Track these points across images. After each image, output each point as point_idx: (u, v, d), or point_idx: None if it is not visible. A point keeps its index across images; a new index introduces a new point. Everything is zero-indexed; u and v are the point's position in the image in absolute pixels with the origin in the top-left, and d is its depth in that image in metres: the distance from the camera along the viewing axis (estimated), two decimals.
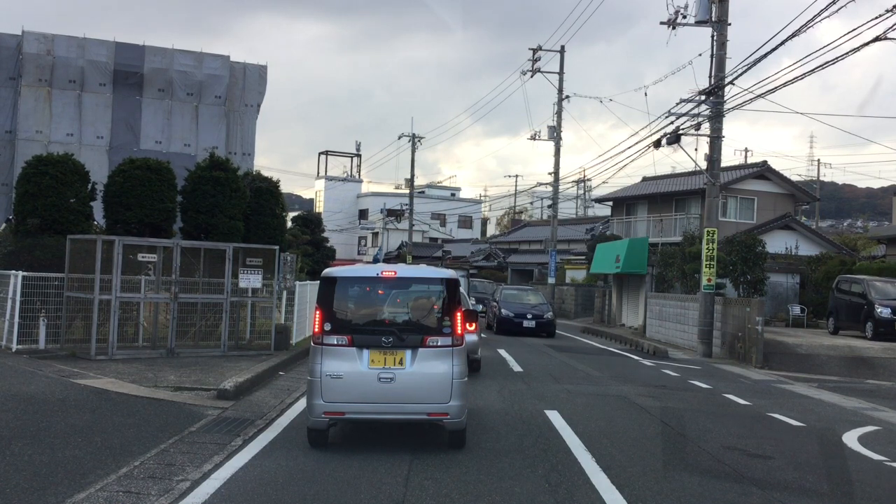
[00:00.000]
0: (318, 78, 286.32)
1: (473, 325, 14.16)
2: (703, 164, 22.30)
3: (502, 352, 20.20)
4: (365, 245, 73.13)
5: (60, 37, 25.46)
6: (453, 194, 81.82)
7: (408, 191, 60.20)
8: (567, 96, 40.16)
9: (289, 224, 30.79)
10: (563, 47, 40.58)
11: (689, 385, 15.52)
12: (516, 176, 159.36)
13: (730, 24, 21.03)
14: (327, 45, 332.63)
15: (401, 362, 8.13)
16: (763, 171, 37.04)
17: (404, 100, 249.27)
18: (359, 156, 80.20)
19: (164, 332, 15.38)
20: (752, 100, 20.22)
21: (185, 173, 18.87)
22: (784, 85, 17.72)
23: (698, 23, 21.44)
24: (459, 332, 8.34)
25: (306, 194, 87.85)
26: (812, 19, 15.84)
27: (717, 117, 21.03)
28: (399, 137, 58.45)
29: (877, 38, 14.38)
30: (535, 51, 40.41)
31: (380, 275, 8.59)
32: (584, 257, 42.19)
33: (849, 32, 16.46)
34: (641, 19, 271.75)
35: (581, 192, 70.58)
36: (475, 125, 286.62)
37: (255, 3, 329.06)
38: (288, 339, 17.32)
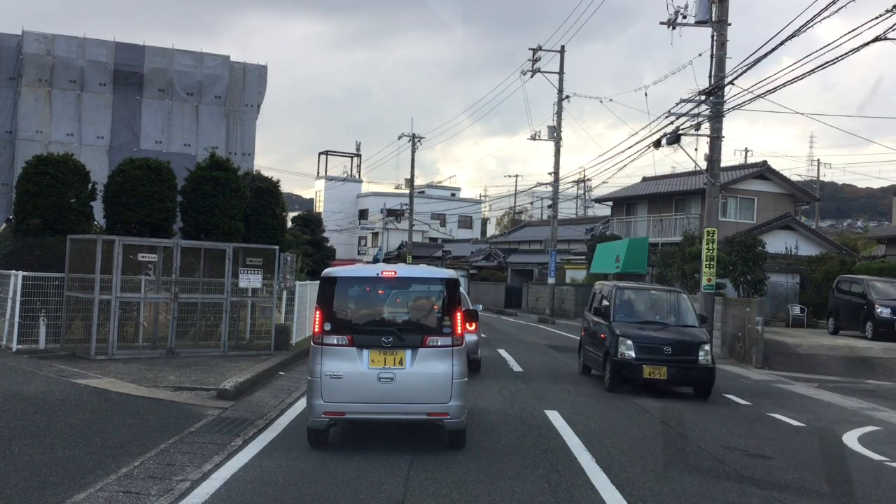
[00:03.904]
0: (315, 77, 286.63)
1: (473, 325, 14.16)
2: (703, 164, 22.30)
3: (502, 352, 20.20)
4: (365, 245, 73.12)
5: (60, 37, 25.46)
6: (453, 194, 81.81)
7: (408, 191, 60.21)
8: (567, 96, 40.16)
9: (289, 224, 30.79)
10: (563, 47, 40.59)
11: None
12: (516, 176, 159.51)
13: (730, 24, 21.02)
14: (323, 43, 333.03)
15: (401, 362, 8.14)
16: (763, 172, 37.05)
17: (402, 98, 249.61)
18: (359, 156, 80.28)
19: (164, 332, 15.37)
20: (751, 100, 20.22)
21: (185, 173, 18.87)
22: (784, 85, 17.71)
23: (698, 23, 21.42)
24: (459, 332, 8.35)
25: (306, 194, 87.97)
26: (812, 19, 15.82)
27: (717, 117, 21.02)
28: (399, 137, 58.55)
29: (877, 38, 14.37)
30: (535, 51, 40.42)
31: (380, 275, 8.60)
32: (584, 257, 42.20)
33: (849, 32, 16.44)
34: (640, 17, 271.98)
35: (581, 192, 70.61)
36: (475, 125, 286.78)
37: (249, 1, 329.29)
38: (288, 339, 17.32)
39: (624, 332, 13.66)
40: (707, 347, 13.54)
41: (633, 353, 13.36)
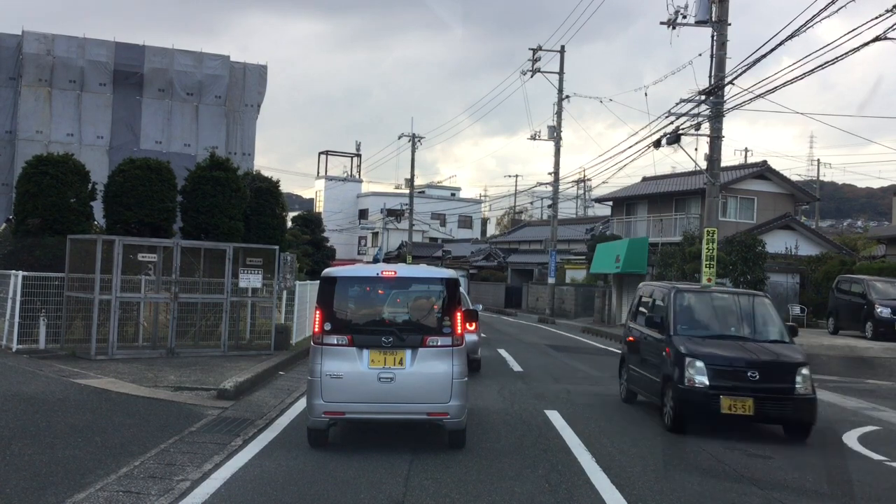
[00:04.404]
0: (316, 77, 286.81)
1: (473, 324, 14.17)
2: (703, 164, 22.28)
3: (502, 352, 20.20)
4: (365, 245, 73.13)
5: (60, 37, 25.47)
6: (453, 194, 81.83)
7: (408, 191, 60.22)
8: (567, 96, 40.19)
9: (289, 224, 30.78)
10: (563, 47, 40.61)
11: None
12: (516, 176, 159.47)
13: (730, 24, 21.00)
14: (323, 43, 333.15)
15: (401, 362, 8.14)
16: (763, 171, 37.04)
17: (402, 98, 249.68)
18: (359, 156, 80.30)
19: (164, 331, 15.38)
20: (752, 100, 20.20)
21: (185, 173, 18.89)
22: (784, 85, 17.67)
23: (698, 23, 21.40)
24: (459, 332, 8.36)
25: (306, 194, 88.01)
26: (812, 19, 15.80)
27: (717, 117, 21.01)
28: (399, 137, 58.57)
29: (877, 38, 14.36)
30: (535, 51, 40.44)
31: (380, 275, 8.61)
32: (584, 257, 42.18)
33: (849, 32, 16.43)
34: (640, 17, 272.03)
35: (581, 192, 70.59)
36: (475, 125, 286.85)
37: (249, 1, 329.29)
38: (288, 339, 17.32)
39: (692, 351, 10.25)
40: (806, 371, 10.13)
41: (705, 380, 9.92)
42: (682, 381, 10.04)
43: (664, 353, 10.79)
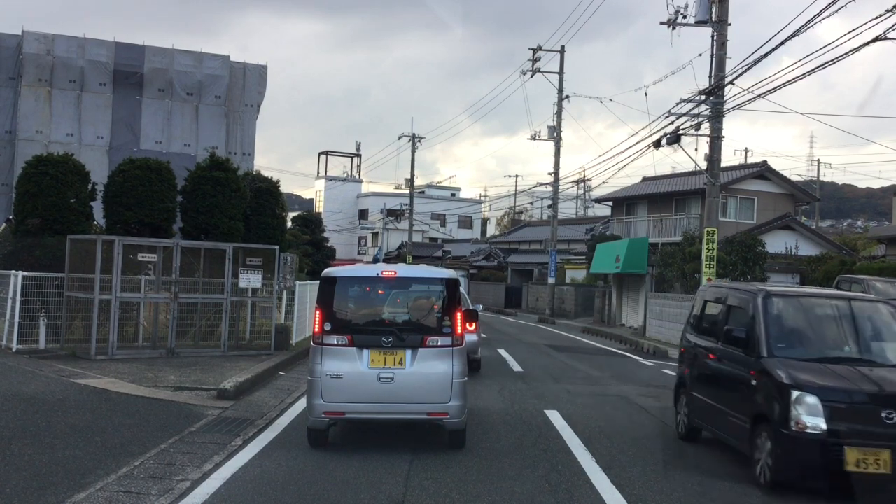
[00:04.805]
0: (316, 77, 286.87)
1: (473, 324, 14.17)
2: (703, 164, 22.29)
3: (502, 352, 20.20)
4: (365, 245, 73.13)
5: (60, 37, 25.49)
6: (453, 194, 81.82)
7: (407, 191, 60.23)
8: (567, 96, 40.22)
9: (289, 224, 30.78)
10: (563, 47, 40.64)
11: None
12: (516, 176, 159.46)
13: (730, 24, 21.01)
14: (323, 43, 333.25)
15: (401, 362, 8.15)
16: (763, 171, 37.03)
17: (402, 98, 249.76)
18: (359, 156, 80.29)
19: (164, 332, 15.38)
20: (752, 100, 20.25)
21: (185, 173, 18.89)
22: (784, 85, 17.68)
23: (698, 23, 21.42)
24: (459, 332, 8.36)
25: (306, 194, 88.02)
26: (812, 19, 15.81)
27: (717, 117, 21.01)
28: (399, 137, 58.58)
29: (877, 38, 14.36)
30: (535, 51, 40.46)
31: (380, 275, 8.61)
32: (584, 257, 42.17)
33: (849, 32, 16.43)
34: (640, 17, 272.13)
35: (581, 192, 70.55)
36: (475, 125, 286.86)
37: (248, 1, 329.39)
38: (288, 339, 17.32)
39: (798, 381, 7.35)
40: None
41: (821, 423, 7.10)
42: (785, 425, 7.24)
43: (754, 383, 7.94)
